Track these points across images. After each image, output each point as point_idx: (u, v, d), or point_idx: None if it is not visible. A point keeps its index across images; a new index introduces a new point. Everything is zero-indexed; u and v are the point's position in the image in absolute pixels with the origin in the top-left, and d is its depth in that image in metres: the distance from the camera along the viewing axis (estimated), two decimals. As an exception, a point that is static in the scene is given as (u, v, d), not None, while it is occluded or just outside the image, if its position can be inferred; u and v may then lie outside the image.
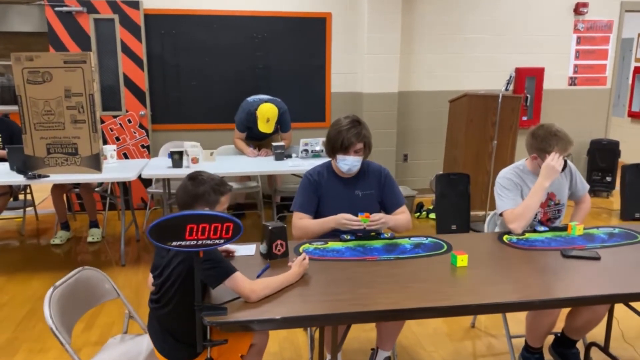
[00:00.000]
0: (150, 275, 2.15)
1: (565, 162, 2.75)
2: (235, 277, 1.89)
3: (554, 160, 2.63)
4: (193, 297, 1.79)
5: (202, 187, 2.04)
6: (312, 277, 2.12)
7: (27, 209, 5.30)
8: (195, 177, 2.07)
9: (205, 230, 1.72)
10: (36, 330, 3.24)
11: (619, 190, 5.72)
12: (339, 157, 2.60)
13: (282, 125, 4.94)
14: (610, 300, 2.23)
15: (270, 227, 2.31)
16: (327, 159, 2.79)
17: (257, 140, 5.10)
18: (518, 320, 3.18)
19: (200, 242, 1.72)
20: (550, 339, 2.84)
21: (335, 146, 2.58)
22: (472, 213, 4.99)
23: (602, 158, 6.31)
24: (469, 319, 3.34)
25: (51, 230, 5.07)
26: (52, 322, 1.93)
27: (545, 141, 2.65)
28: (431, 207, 5.65)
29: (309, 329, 2.93)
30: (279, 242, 2.32)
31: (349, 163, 2.59)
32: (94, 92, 3.98)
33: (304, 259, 2.12)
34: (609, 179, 6.31)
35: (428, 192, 6.13)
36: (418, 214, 5.66)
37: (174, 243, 1.71)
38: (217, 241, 1.73)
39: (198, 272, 1.76)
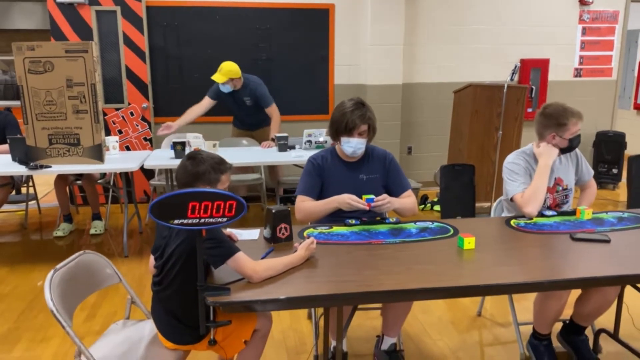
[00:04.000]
0: (152, 257, 2.12)
1: (579, 140, 2.72)
2: (238, 257, 1.86)
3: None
4: (195, 278, 1.76)
5: (202, 166, 2.00)
6: (317, 260, 2.09)
7: (30, 202, 5.28)
8: (194, 157, 2.04)
9: (208, 208, 1.68)
10: (38, 321, 3.21)
11: (625, 182, 5.65)
12: (343, 139, 2.56)
13: (260, 100, 4.88)
14: (620, 281, 2.19)
15: (273, 211, 2.27)
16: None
17: (248, 130, 5.09)
18: (525, 308, 3.15)
19: (202, 220, 1.68)
20: (558, 326, 2.80)
21: (339, 128, 2.55)
22: (477, 204, 4.94)
23: (608, 150, 6.25)
24: (475, 308, 3.30)
25: (54, 223, 5.05)
26: (52, 304, 1.90)
27: (561, 115, 2.66)
28: (436, 200, 5.61)
29: (313, 316, 2.90)
30: (282, 225, 2.28)
31: (353, 145, 2.55)
32: (96, 82, 3.95)
33: (312, 243, 2.08)
34: (615, 170, 6.25)
35: (432, 185, 6.08)
36: (422, 206, 5.61)
37: (176, 221, 1.67)
38: (220, 219, 1.70)
39: (200, 251, 1.73)
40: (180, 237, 1.95)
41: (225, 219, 1.70)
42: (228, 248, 1.87)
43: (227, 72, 4.73)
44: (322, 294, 1.81)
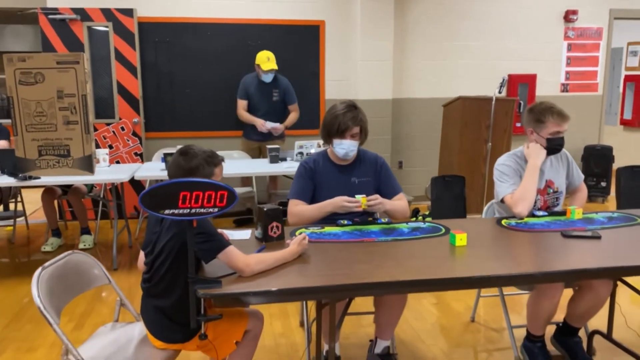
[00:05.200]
0: (142, 253, 2.09)
1: (560, 142, 2.72)
2: (229, 250, 1.85)
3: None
4: (186, 273, 1.74)
5: (194, 161, 1.99)
6: (309, 256, 2.08)
7: (18, 218, 5.22)
8: (186, 152, 2.03)
9: (199, 198, 1.67)
10: (24, 331, 3.15)
11: (614, 196, 5.69)
12: (336, 141, 2.57)
13: (288, 94, 5.21)
14: (612, 273, 2.19)
15: (265, 209, 2.26)
16: None
17: (261, 141, 5.15)
18: (518, 314, 3.15)
19: (194, 210, 1.67)
20: (551, 330, 2.78)
21: (331, 131, 2.56)
22: (468, 216, 4.94)
23: (596, 163, 6.31)
24: (468, 314, 3.28)
25: (42, 239, 4.98)
26: (40, 301, 1.86)
27: (541, 113, 2.70)
28: (427, 213, 5.61)
29: (305, 322, 2.85)
30: (274, 224, 2.27)
31: (345, 147, 2.56)
32: (87, 93, 3.95)
33: (304, 238, 2.08)
34: (603, 184, 6.31)
35: (424, 199, 6.10)
36: (414, 218, 5.61)
37: (167, 211, 1.66)
38: (211, 210, 1.69)
39: (191, 242, 1.71)
40: (172, 231, 1.93)
41: (216, 209, 1.69)
42: (219, 242, 1.86)
43: (273, 59, 5.02)
44: (315, 286, 1.79)
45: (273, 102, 5.16)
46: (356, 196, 2.47)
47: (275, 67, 5.01)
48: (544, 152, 2.71)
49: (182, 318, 1.92)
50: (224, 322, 1.96)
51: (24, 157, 3.98)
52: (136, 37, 5.33)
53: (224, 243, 1.85)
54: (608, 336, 2.67)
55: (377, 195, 2.52)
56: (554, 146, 2.72)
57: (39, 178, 3.93)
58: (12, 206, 5.24)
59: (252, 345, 2.19)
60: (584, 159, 6.40)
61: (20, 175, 3.90)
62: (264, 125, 5.08)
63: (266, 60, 4.99)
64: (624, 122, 8.08)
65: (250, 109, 5.20)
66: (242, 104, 5.19)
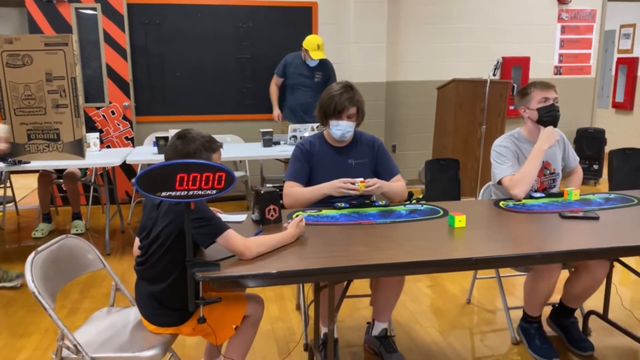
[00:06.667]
0: (137, 239, 2.06)
1: (552, 108, 2.70)
2: (228, 234, 1.82)
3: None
4: (183, 258, 1.71)
5: (192, 145, 1.95)
6: (307, 239, 2.05)
7: (8, 204, 5.15)
8: (184, 136, 1.99)
9: (197, 180, 1.64)
10: (17, 317, 3.11)
11: (606, 179, 5.72)
12: (332, 122, 2.54)
13: (331, 76, 5.21)
14: (610, 253, 2.18)
15: (262, 192, 2.23)
16: None
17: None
18: (514, 296, 3.16)
19: (191, 192, 1.64)
20: (547, 311, 2.79)
21: (327, 111, 2.52)
22: (462, 200, 4.94)
23: (589, 146, 6.33)
24: (464, 296, 3.28)
25: (33, 225, 4.92)
26: (34, 285, 1.82)
27: (525, 88, 2.77)
28: (421, 197, 5.60)
29: (302, 305, 2.85)
30: (271, 207, 2.24)
31: (342, 128, 2.53)
32: (76, 76, 3.87)
33: (301, 221, 2.05)
34: (596, 166, 6.33)
35: (417, 183, 6.09)
36: (408, 202, 5.60)
37: (164, 193, 1.62)
38: (208, 192, 1.65)
39: (189, 225, 1.68)
40: (169, 217, 1.89)
41: (214, 192, 1.66)
42: (217, 225, 1.82)
43: (323, 46, 5.02)
44: (314, 268, 1.77)
45: (315, 83, 5.15)
46: (355, 180, 2.44)
47: (324, 56, 5.02)
48: (555, 138, 2.66)
49: (175, 303, 1.91)
50: (220, 306, 1.94)
51: (13, 142, 3.90)
52: (125, 19, 5.22)
53: (222, 227, 1.82)
54: (604, 316, 2.69)
55: (376, 179, 2.50)
56: (546, 114, 2.68)
57: (28, 163, 3.86)
58: (1, 192, 5.16)
59: (251, 332, 2.16)
60: (577, 141, 6.42)
61: (9, 159, 3.83)
62: (277, 119, 5.14)
63: (316, 49, 4.96)
64: (615, 105, 8.10)
65: (288, 87, 5.22)
66: (276, 80, 5.28)
